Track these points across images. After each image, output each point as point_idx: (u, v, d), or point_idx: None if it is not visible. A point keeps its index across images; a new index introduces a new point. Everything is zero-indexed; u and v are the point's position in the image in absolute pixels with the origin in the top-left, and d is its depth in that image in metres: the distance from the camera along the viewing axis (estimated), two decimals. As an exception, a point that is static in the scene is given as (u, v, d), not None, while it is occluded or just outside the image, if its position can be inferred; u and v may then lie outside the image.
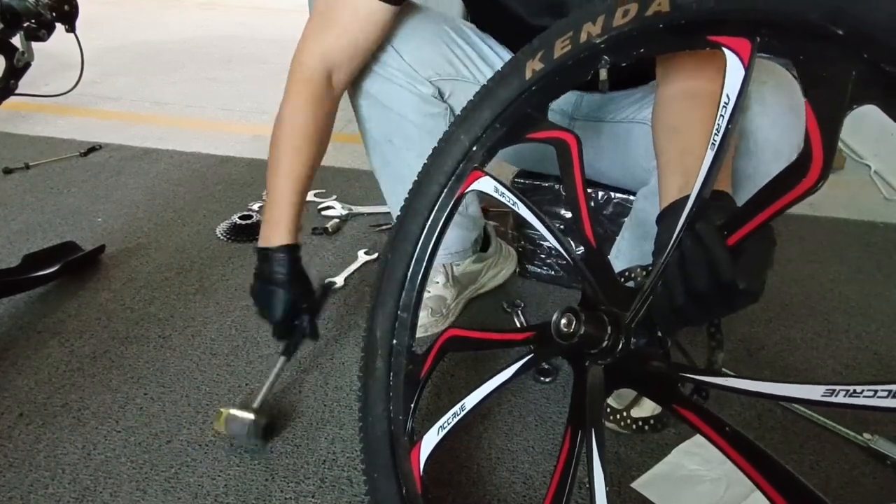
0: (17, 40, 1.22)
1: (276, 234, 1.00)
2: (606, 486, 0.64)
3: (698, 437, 1.03)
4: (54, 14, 1.23)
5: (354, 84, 1.07)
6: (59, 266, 1.38)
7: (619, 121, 1.10)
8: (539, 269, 1.46)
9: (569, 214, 1.34)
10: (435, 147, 0.88)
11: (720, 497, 0.93)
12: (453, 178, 0.84)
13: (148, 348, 1.23)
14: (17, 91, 1.26)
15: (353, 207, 1.78)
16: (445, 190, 0.85)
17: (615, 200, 1.30)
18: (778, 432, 1.06)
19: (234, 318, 1.32)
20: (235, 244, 1.60)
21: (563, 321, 0.65)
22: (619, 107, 1.11)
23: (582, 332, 0.64)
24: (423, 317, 1.27)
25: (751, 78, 0.56)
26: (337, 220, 1.71)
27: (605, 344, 0.65)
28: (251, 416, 1.00)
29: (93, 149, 2.15)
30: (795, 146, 0.85)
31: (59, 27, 1.26)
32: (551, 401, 1.13)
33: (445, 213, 0.85)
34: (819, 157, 0.51)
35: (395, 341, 0.87)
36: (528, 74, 0.77)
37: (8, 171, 1.95)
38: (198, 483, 0.95)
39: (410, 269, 0.87)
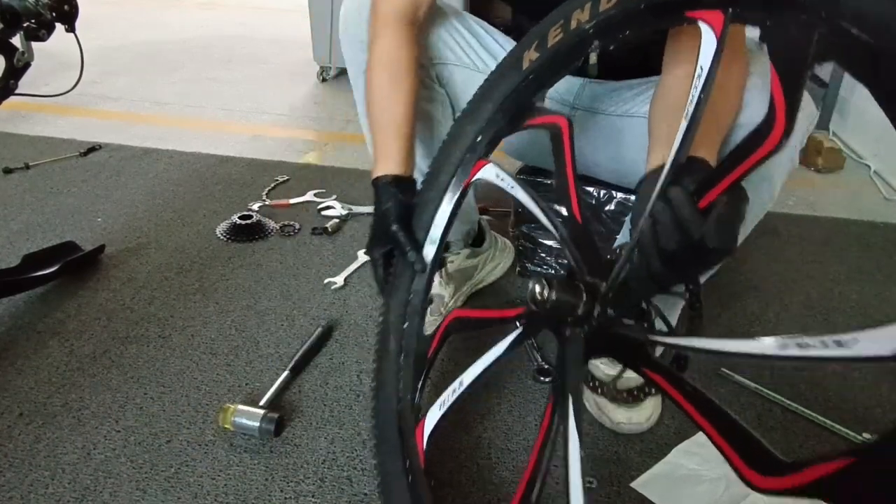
0: (17, 40, 1.22)
1: (384, 164, 0.93)
2: (581, 451, 0.66)
3: (698, 437, 1.04)
4: (54, 14, 1.23)
5: (354, 63, 1.08)
6: (59, 266, 1.38)
7: (620, 114, 1.10)
8: (539, 268, 1.47)
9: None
10: (444, 140, 0.94)
11: (719, 496, 0.93)
12: (461, 168, 0.89)
13: (148, 348, 1.23)
14: (17, 91, 1.26)
15: (352, 207, 1.78)
16: (453, 180, 0.90)
17: (617, 199, 1.30)
18: (778, 432, 1.06)
19: (233, 318, 1.32)
20: (235, 244, 1.60)
21: (537, 288, 0.67)
22: (621, 99, 1.11)
23: (554, 298, 0.66)
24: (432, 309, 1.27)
25: (723, 48, 0.59)
26: (337, 220, 1.71)
27: (580, 312, 0.67)
28: (262, 410, 1.02)
29: (93, 149, 2.15)
30: (798, 140, 0.86)
31: (59, 27, 1.26)
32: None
33: (454, 202, 0.91)
34: (782, 117, 0.54)
35: (406, 324, 0.91)
36: (526, 64, 0.82)
37: (8, 171, 1.95)
38: (198, 483, 0.95)
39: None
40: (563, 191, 0.79)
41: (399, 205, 0.89)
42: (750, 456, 0.50)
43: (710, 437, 0.53)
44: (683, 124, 0.62)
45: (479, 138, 0.88)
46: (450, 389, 0.82)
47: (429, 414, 0.83)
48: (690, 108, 0.61)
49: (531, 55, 0.81)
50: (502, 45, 1.11)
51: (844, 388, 1.17)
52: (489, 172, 0.87)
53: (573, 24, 0.74)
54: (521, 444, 1.04)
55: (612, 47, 0.72)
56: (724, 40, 0.59)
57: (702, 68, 0.61)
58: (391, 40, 0.95)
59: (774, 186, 0.88)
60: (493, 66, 1.05)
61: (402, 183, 0.92)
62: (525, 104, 0.84)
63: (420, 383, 0.88)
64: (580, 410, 0.68)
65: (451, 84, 1.11)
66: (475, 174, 0.89)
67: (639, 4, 0.66)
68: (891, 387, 1.18)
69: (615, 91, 1.12)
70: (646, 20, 0.67)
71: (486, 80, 0.88)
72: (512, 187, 0.84)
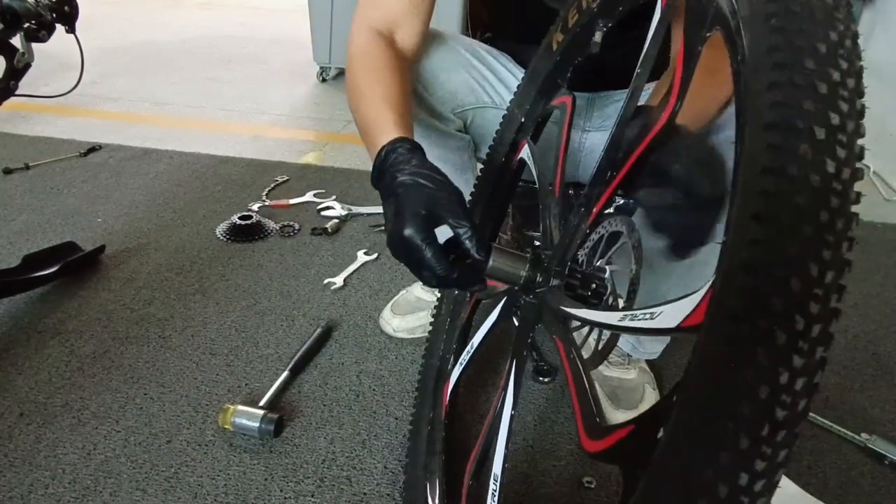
0: (17, 41, 1.22)
1: (382, 137, 0.78)
2: (513, 410, 0.71)
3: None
4: (54, 15, 1.23)
5: None
6: (59, 266, 1.38)
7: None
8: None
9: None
10: (498, 127, 0.99)
11: (718, 497, 0.93)
12: (512, 147, 0.96)
13: (148, 348, 1.23)
14: (17, 92, 1.26)
15: (352, 208, 1.79)
16: (504, 159, 0.97)
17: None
18: (776, 432, 1.06)
19: (233, 318, 1.32)
20: (235, 244, 1.60)
21: (483, 252, 0.67)
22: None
23: (491, 264, 0.67)
24: (424, 317, 1.27)
25: (665, 23, 0.62)
26: (336, 221, 1.71)
27: (521, 280, 0.70)
28: (262, 410, 1.02)
29: (93, 149, 2.15)
30: None
31: (59, 28, 1.27)
32: (550, 401, 1.13)
33: (508, 179, 0.98)
34: (677, 88, 0.57)
35: (456, 292, 1.05)
36: (555, 46, 0.87)
37: (8, 172, 1.96)
38: (197, 483, 0.95)
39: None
40: (553, 162, 0.83)
41: (415, 168, 0.72)
42: (587, 420, 0.54)
43: (571, 401, 0.58)
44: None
45: (523, 119, 0.95)
46: (465, 351, 0.92)
47: (452, 373, 0.95)
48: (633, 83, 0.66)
49: (558, 37, 0.86)
50: (510, 70, 1.10)
51: (843, 388, 1.17)
52: (525, 153, 0.92)
53: (584, 4, 0.80)
54: (520, 443, 1.04)
55: (610, 24, 0.77)
56: (667, 11, 0.62)
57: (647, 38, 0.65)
58: (364, 48, 0.92)
59: None
60: (506, 96, 1.07)
61: (419, 150, 0.76)
62: (555, 84, 0.90)
63: (455, 346, 1.01)
64: (521, 374, 0.73)
65: (475, 126, 1.10)
66: (520, 153, 0.94)
67: None
68: (890, 386, 1.18)
69: (617, 102, 1.12)
70: None
71: (531, 66, 0.94)
72: (530, 159, 0.89)
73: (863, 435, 1.04)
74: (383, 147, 0.76)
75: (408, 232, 0.65)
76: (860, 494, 0.97)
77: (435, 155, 1.06)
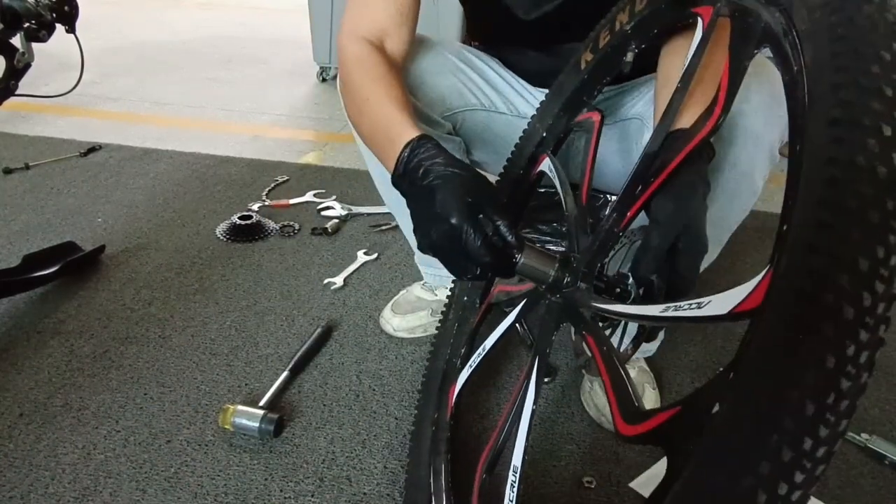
0: (17, 41, 1.22)
1: (403, 136, 0.76)
2: (534, 405, 0.72)
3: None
4: (54, 15, 1.23)
5: None
6: (59, 266, 1.38)
7: (631, 117, 1.10)
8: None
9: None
10: (518, 140, 1.01)
11: (718, 497, 0.93)
12: (530, 161, 0.99)
13: (148, 348, 1.23)
14: (17, 91, 1.26)
15: (352, 207, 1.79)
16: (521, 172, 0.99)
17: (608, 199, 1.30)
18: (776, 432, 1.07)
19: (233, 318, 1.32)
20: (235, 244, 1.60)
21: (516, 252, 0.70)
22: (629, 103, 1.11)
23: (523, 262, 0.70)
24: (424, 316, 1.27)
25: (709, 39, 0.67)
26: (336, 221, 1.71)
27: (550, 280, 0.72)
28: (261, 410, 1.03)
29: (93, 149, 2.15)
30: (777, 136, 0.86)
31: (59, 28, 1.27)
32: (551, 401, 1.13)
33: (524, 191, 1.01)
34: (723, 99, 0.63)
35: (465, 297, 1.07)
36: (583, 66, 0.90)
37: (8, 172, 1.96)
38: (197, 483, 0.95)
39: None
40: (580, 176, 0.86)
41: (448, 163, 0.71)
42: (623, 407, 0.57)
43: (605, 390, 0.61)
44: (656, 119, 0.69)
45: (544, 133, 0.98)
46: (475, 354, 0.92)
47: (459, 376, 0.96)
48: (660, 108, 0.71)
49: (587, 56, 0.89)
50: (499, 73, 1.10)
51: (843, 389, 1.17)
52: (546, 165, 0.94)
53: (617, 26, 0.83)
54: (520, 444, 1.04)
55: (643, 46, 0.80)
56: (710, 31, 0.66)
57: (686, 57, 0.69)
58: (359, 48, 0.91)
59: (756, 183, 0.88)
60: (497, 100, 1.08)
61: (438, 146, 0.75)
62: (580, 102, 0.93)
63: (463, 350, 1.01)
64: (543, 372, 0.74)
65: (465, 129, 1.10)
66: (539, 166, 0.97)
67: (661, 3, 0.76)
68: (890, 386, 1.18)
69: (621, 94, 1.12)
70: (666, 16, 0.77)
71: (557, 82, 0.96)
72: (552, 171, 0.91)
73: (863, 435, 1.04)
74: (407, 144, 0.75)
75: (455, 220, 0.64)
76: (860, 494, 0.97)
77: None
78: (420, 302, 1.30)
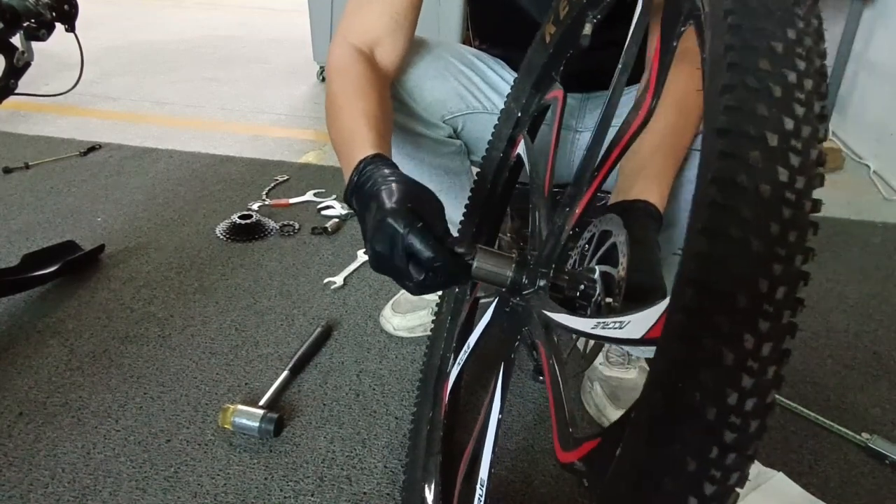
0: (16, 40, 1.22)
1: (361, 151, 0.76)
2: (500, 413, 0.71)
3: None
4: (54, 14, 1.23)
5: None
6: (59, 265, 1.38)
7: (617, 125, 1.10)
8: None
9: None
10: (496, 123, 0.99)
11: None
12: (508, 143, 0.96)
13: (147, 348, 1.23)
14: (16, 90, 1.26)
15: (352, 207, 1.78)
16: (502, 155, 0.97)
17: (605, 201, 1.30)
18: (777, 431, 1.06)
19: (233, 317, 1.32)
20: (235, 244, 1.60)
21: (467, 248, 0.67)
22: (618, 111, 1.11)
23: (476, 266, 0.67)
24: (424, 315, 1.27)
25: (647, 14, 0.61)
26: (336, 220, 1.71)
27: (508, 281, 0.68)
28: (261, 410, 1.03)
29: (92, 148, 2.15)
30: None
31: (59, 27, 1.26)
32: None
33: (505, 176, 0.98)
34: (653, 85, 0.56)
35: (457, 290, 1.05)
36: (548, 38, 0.86)
37: (8, 171, 1.95)
38: (197, 482, 0.95)
39: (474, 227, 1.00)
40: (544, 165, 0.83)
41: (394, 179, 0.69)
42: (561, 430, 0.53)
43: (550, 410, 0.56)
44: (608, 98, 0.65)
45: (519, 113, 0.94)
46: (462, 352, 0.92)
47: (451, 373, 0.94)
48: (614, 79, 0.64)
49: (550, 29, 0.85)
50: (501, 75, 1.10)
51: (843, 388, 1.17)
52: (521, 147, 0.91)
53: None
54: (520, 443, 1.04)
55: (600, 16, 0.75)
56: (650, 2, 0.60)
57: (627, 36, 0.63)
58: (346, 63, 0.90)
59: None
60: (499, 102, 1.07)
61: (391, 164, 0.75)
62: (549, 78, 0.89)
63: (455, 345, 1.00)
64: (508, 379, 0.73)
65: (466, 132, 1.10)
66: (517, 148, 0.94)
67: None
68: (890, 386, 1.18)
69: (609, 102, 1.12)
70: None
71: (526, 58, 0.92)
72: (526, 152, 0.89)
73: (863, 435, 1.04)
74: (362, 160, 0.74)
75: (398, 226, 0.62)
76: (860, 494, 0.97)
77: (428, 162, 1.06)
78: (420, 301, 1.30)
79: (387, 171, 0.70)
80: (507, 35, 1.12)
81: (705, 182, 0.33)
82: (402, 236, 0.62)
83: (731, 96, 0.34)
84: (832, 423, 1.07)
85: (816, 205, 0.33)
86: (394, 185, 0.67)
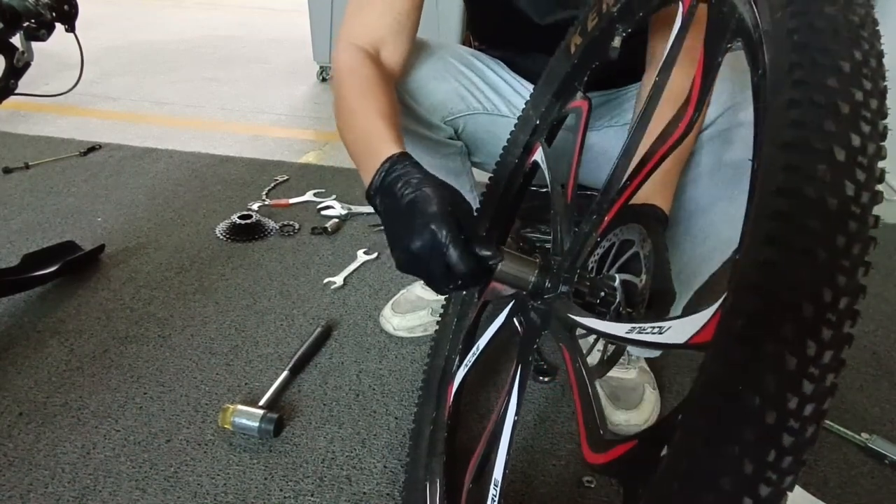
0: (16, 40, 1.22)
1: (384, 151, 0.77)
2: (516, 416, 0.71)
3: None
4: (54, 14, 1.23)
5: None
6: (59, 266, 1.38)
7: (623, 124, 1.10)
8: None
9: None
10: (512, 129, 0.98)
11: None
12: (524, 150, 0.96)
13: (147, 348, 1.23)
14: (16, 91, 1.26)
15: (352, 207, 1.78)
16: (517, 161, 0.96)
17: None
18: (776, 432, 1.06)
19: (233, 317, 1.32)
20: (235, 244, 1.60)
21: (496, 252, 0.67)
22: (622, 109, 1.11)
23: (500, 269, 0.67)
24: (424, 316, 1.27)
25: (687, 29, 0.61)
26: (336, 220, 1.71)
27: (531, 285, 0.69)
28: (261, 410, 1.03)
29: (92, 148, 2.15)
30: None
31: (59, 27, 1.26)
32: (551, 401, 1.13)
33: (520, 181, 0.98)
34: (694, 100, 0.57)
35: (464, 292, 1.03)
36: (573, 49, 0.87)
37: (8, 171, 1.95)
38: (197, 482, 0.95)
39: (485, 231, 1.00)
40: (567, 171, 0.83)
41: (423, 178, 0.70)
42: (591, 433, 0.54)
43: (576, 414, 0.57)
44: (638, 112, 0.65)
45: (538, 121, 0.94)
46: (470, 353, 0.92)
47: (457, 374, 0.94)
48: (644, 93, 0.65)
49: (576, 40, 0.86)
50: (501, 76, 1.10)
51: (844, 388, 1.17)
52: (538, 155, 0.92)
53: (604, 8, 0.79)
54: (520, 443, 1.04)
55: (630, 30, 0.76)
56: (689, 19, 0.61)
57: (664, 48, 0.63)
58: (351, 65, 0.90)
59: None
60: (499, 103, 1.07)
61: (417, 164, 0.75)
62: (571, 88, 0.89)
63: (461, 346, 0.99)
64: (525, 380, 0.72)
65: (466, 133, 1.10)
66: (533, 155, 0.94)
67: None
68: (890, 386, 1.18)
69: (613, 100, 1.12)
70: (651, 1, 0.72)
71: (548, 67, 0.92)
72: (543, 161, 0.89)
73: (863, 435, 1.04)
74: (388, 159, 0.75)
75: (438, 231, 0.62)
76: (860, 494, 0.97)
77: (428, 163, 1.06)
78: (420, 301, 1.30)
79: (418, 172, 0.71)
80: (505, 36, 1.12)
81: (768, 193, 0.34)
82: (444, 245, 0.62)
83: (798, 111, 0.34)
84: (832, 423, 1.07)
85: (877, 220, 0.34)
86: (431, 189, 0.67)
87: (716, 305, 0.39)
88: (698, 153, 0.87)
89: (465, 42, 1.19)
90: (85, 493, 0.93)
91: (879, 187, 0.35)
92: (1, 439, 1.01)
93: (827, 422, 1.07)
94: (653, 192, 0.77)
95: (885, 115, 0.36)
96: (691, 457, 0.35)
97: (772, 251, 0.33)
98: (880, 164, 0.35)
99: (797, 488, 0.95)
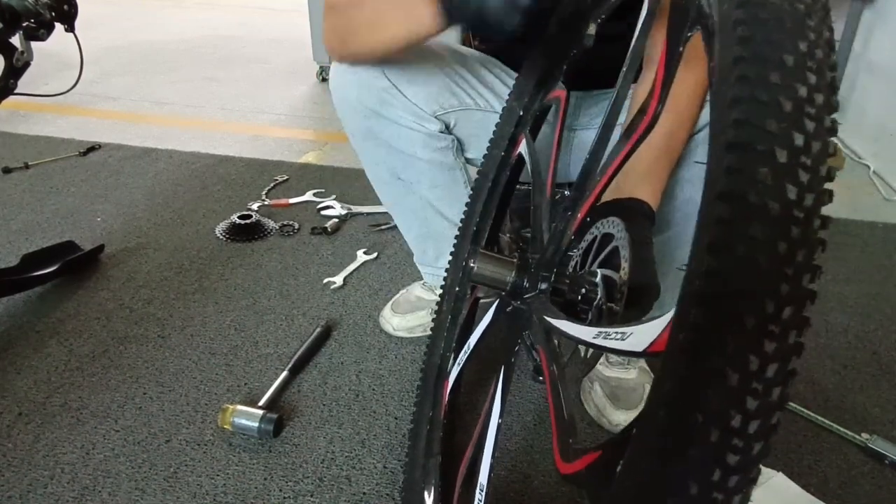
0: (16, 40, 1.22)
1: None
2: (500, 418, 0.71)
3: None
4: (53, 14, 1.23)
5: (358, 130, 1.06)
6: (59, 266, 1.38)
7: (621, 122, 1.10)
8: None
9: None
10: (497, 121, 0.98)
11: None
12: (510, 142, 0.95)
13: (147, 348, 1.23)
14: (16, 90, 1.26)
15: (352, 207, 1.78)
16: (503, 154, 0.96)
17: None
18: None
19: (232, 317, 1.32)
20: (234, 244, 1.60)
21: (470, 259, 0.69)
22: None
23: (475, 270, 0.68)
24: (424, 316, 1.27)
25: (654, 15, 0.60)
26: (336, 220, 1.71)
27: (508, 285, 0.69)
28: (261, 410, 1.02)
29: (92, 148, 2.15)
30: None
31: (59, 27, 1.26)
32: (550, 400, 1.13)
33: (507, 174, 0.97)
34: (658, 89, 0.55)
35: (457, 288, 1.02)
36: (549, 38, 0.86)
37: (7, 171, 1.95)
38: (196, 482, 0.95)
39: (475, 226, 0.99)
40: (546, 165, 0.83)
41: None
42: (562, 442, 0.52)
43: (551, 418, 0.56)
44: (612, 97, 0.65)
45: (521, 112, 0.93)
46: (462, 352, 0.93)
47: (451, 373, 0.94)
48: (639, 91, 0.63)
49: (553, 29, 0.86)
50: (497, 75, 1.10)
51: (843, 388, 1.17)
52: (523, 147, 0.91)
53: None
54: (519, 443, 1.04)
55: (603, 17, 0.75)
56: (657, 3, 0.59)
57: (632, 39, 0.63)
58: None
59: None
60: (492, 100, 1.07)
61: None
62: (552, 77, 0.88)
63: (455, 344, 0.99)
64: (508, 383, 0.72)
65: (458, 128, 1.09)
66: (518, 147, 0.94)
67: None
68: (890, 386, 1.18)
69: (604, 99, 1.12)
70: None
71: (528, 56, 0.92)
72: (526, 153, 0.89)
73: (863, 435, 1.04)
74: None
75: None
76: (860, 494, 0.97)
77: (421, 156, 1.06)
78: (420, 301, 1.30)
79: None
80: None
81: (712, 197, 0.33)
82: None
83: (740, 110, 0.33)
84: (832, 424, 1.07)
85: (825, 222, 0.33)
86: None
87: (671, 314, 0.37)
88: (693, 154, 0.87)
89: (465, 42, 1.19)
90: (84, 493, 0.93)
91: (829, 186, 0.33)
92: (0, 439, 1.01)
93: (827, 422, 1.07)
94: (638, 186, 0.77)
95: (833, 110, 0.34)
96: (639, 475, 0.34)
97: (713, 260, 0.32)
98: (825, 164, 0.33)
99: (798, 489, 0.95)
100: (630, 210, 0.74)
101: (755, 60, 0.34)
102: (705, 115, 0.84)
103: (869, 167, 2.17)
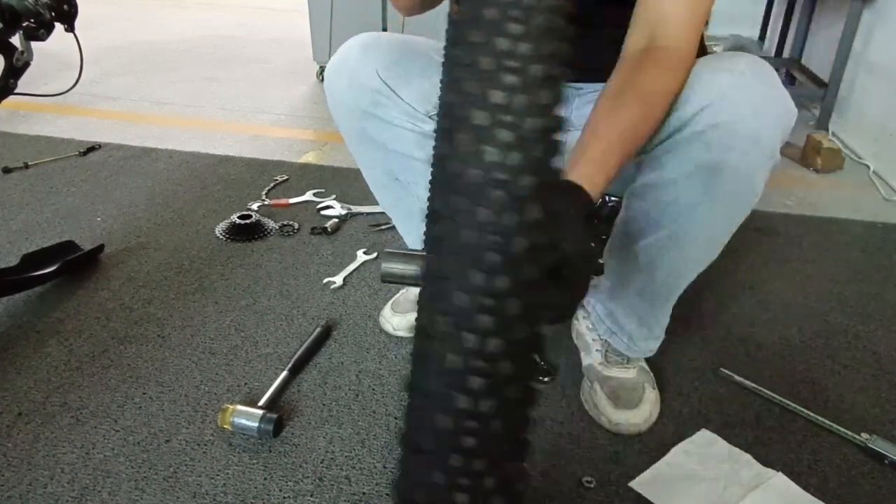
0: (16, 40, 1.22)
1: None
2: None
3: (697, 437, 1.04)
4: (53, 14, 1.23)
5: (353, 132, 1.07)
6: (58, 265, 1.38)
7: None
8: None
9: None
10: None
11: (718, 496, 0.93)
12: None
13: (147, 348, 1.23)
14: (16, 90, 1.26)
15: (352, 207, 1.78)
16: None
17: (610, 204, 1.30)
18: (776, 432, 1.06)
19: (232, 317, 1.32)
20: (234, 244, 1.60)
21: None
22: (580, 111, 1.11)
23: (383, 270, 0.68)
24: (422, 316, 1.27)
25: None
26: (336, 220, 1.71)
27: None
28: (261, 410, 1.02)
29: (92, 148, 2.15)
30: (779, 137, 0.83)
31: (59, 27, 1.26)
32: (550, 401, 1.13)
33: None
34: None
35: None
36: None
37: (7, 171, 1.95)
38: (196, 482, 0.95)
39: None
40: None
41: None
42: None
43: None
44: None
45: None
46: None
47: None
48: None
49: None
50: None
51: (843, 388, 1.17)
52: None
53: None
54: (519, 443, 1.04)
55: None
56: None
57: None
58: None
59: (756, 186, 0.86)
60: None
61: None
62: None
63: None
64: None
65: None
66: None
67: None
68: (890, 386, 1.18)
69: (591, 95, 1.12)
70: None
71: None
72: None
73: (863, 435, 1.04)
74: None
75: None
76: (860, 494, 0.96)
77: (417, 156, 1.06)
78: (419, 301, 1.30)
79: None
80: None
81: None
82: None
83: None
84: (832, 424, 1.07)
85: None
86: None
87: None
88: (675, 154, 0.86)
89: None
90: (84, 493, 0.93)
91: None
92: (0, 439, 1.01)
93: (827, 422, 1.07)
94: (575, 168, 0.76)
95: None
96: None
97: None
98: None
99: (797, 489, 0.95)
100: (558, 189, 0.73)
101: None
102: (677, 120, 0.83)
103: (869, 167, 2.17)
